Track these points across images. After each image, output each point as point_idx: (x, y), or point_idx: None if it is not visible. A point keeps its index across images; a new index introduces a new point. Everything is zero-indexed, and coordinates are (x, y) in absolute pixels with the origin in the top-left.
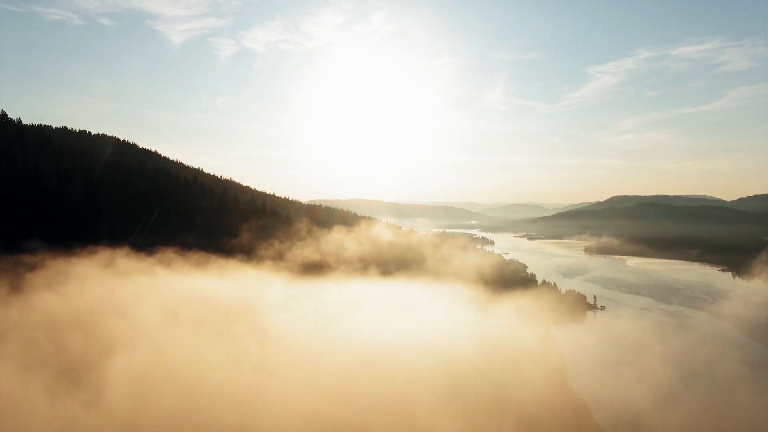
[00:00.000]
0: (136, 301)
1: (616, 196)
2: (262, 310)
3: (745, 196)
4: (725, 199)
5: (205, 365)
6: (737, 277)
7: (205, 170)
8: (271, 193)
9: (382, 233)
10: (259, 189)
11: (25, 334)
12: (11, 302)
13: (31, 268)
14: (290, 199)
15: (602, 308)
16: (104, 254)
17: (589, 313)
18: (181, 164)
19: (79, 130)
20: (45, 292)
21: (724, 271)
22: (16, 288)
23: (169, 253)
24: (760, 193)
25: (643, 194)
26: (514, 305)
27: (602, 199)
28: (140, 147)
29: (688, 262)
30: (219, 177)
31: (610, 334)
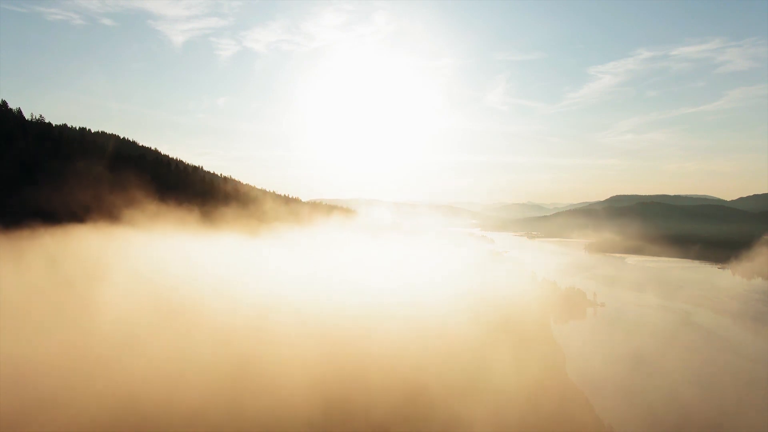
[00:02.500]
0: (133, 250)
1: (616, 196)
2: (260, 263)
3: (744, 195)
4: (725, 199)
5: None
6: (736, 275)
7: (206, 168)
8: (271, 191)
9: (381, 219)
10: (258, 187)
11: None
12: (10, 246)
13: (30, 239)
14: (290, 197)
15: (602, 305)
16: (104, 228)
17: (589, 310)
18: (181, 162)
19: (79, 127)
20: (46, 237)
21: (723, 268)
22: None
23: (169, 227)
24: (759, 192)
25: (643, 194)
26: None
27: (602, 198)
28: (140, 144)
29: (688, 260)
30: (219, 174)
31: (609, 327)
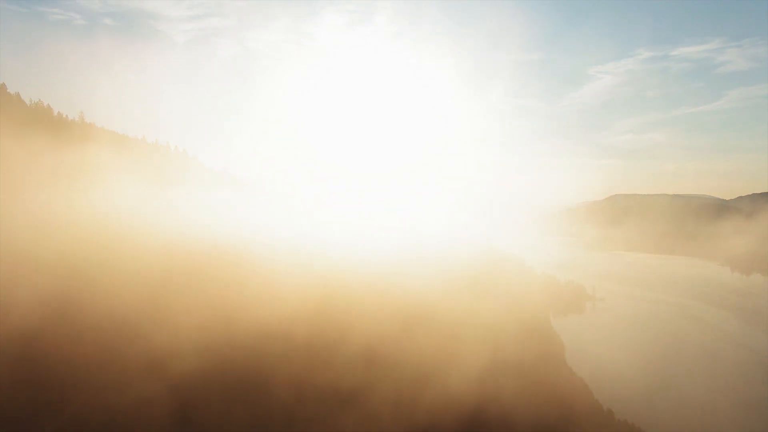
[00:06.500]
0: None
1: (616, 195)
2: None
3: (743, 195)
4: (724, 198)
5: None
6: (735, 272)
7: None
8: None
9: None
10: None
11: None
12: None
13: None
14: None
15: (601, 299)
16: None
17: (588, 304)
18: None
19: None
20: None
21: (722, 265)
22: None
23: None
24: (758, 192)
25: (643, 193)
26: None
27: (602, 197)
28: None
29: (687, 257)
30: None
31: (607, 320)
